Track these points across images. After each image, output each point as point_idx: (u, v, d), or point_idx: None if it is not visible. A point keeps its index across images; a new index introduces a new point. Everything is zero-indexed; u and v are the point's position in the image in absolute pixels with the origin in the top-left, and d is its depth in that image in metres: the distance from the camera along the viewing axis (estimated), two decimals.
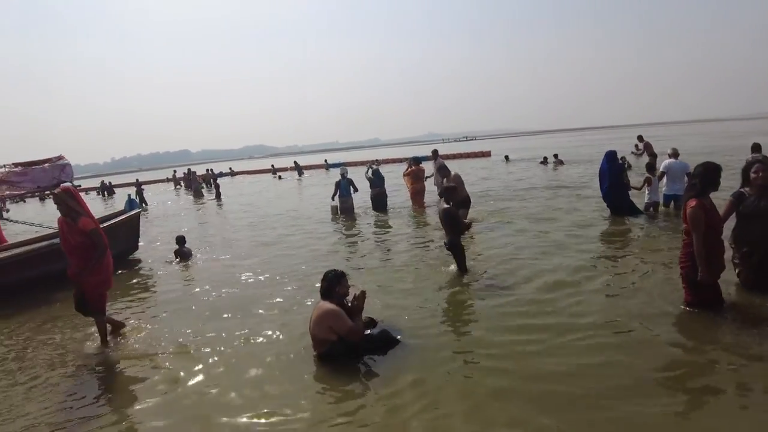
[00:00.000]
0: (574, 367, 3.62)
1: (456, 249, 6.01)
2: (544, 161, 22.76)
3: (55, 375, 4.46)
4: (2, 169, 7.99)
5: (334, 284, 4.12)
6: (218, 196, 21.09)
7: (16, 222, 9.86)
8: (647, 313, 4.49)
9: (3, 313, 6.63)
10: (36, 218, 13.29)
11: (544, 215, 9.61)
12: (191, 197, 23.86)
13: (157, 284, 7.57)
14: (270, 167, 41.15)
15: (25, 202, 33.74)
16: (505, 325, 4.55)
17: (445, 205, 6.00)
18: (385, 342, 4.20)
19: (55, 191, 4.86)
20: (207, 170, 31.69)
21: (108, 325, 5.16)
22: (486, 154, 38.51)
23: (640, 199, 9.02)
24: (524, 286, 5.55)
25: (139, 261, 9.28)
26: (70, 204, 4.72)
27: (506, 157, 28.85)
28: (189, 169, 31.42)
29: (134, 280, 7.86)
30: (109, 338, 5.08)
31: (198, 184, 24.28)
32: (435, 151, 12.37)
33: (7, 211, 25.13)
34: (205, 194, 23.87)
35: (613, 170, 8.75)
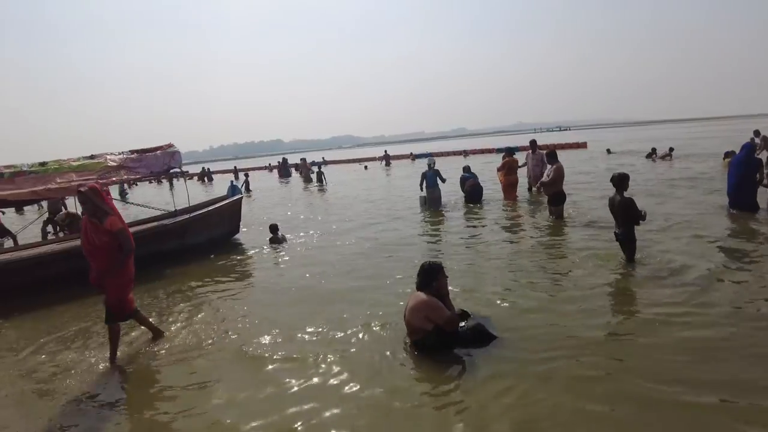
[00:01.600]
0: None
1: (631, 241, 5.79)
2: (653, 153, 20.66)
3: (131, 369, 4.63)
4: (120, 156, 8.63)
5: (432, 276, 4.04)
6: (321, 181, 22.26)
7: (132, 204, 10.73)
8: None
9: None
10: (149, 201, 14.43)
11: (675, 214, 8.53)
12: (286, 184, 25.02)
13: (250, 268, 7.81)
14: (357, 158, 41.88)
15: (137, 185, 36.93)
16: (627, 330, 4.03)
17: (620, 197, 5.69)
18: (480, 336, 4.04)
19: (81, 189, 4.37)
20: (300, 159, 32.64)
21: (149, 330, 4.91)
22: (582, 146, 36.07)
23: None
24: (654, 288, 4.91)
25: (239, 243, 9.69)
26: (96, 202, 4.37)
27: (608, 150, 26.65)
28: (284, 158, 32.73)
29: (230, 263, 8.15)
30: (153, 344, 4.81)
31: (307, 170, 25.43)
32: (534, 142, 11.80)
33: (127, 194, 27.95)
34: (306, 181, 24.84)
35: (748, 164, 7.99)
